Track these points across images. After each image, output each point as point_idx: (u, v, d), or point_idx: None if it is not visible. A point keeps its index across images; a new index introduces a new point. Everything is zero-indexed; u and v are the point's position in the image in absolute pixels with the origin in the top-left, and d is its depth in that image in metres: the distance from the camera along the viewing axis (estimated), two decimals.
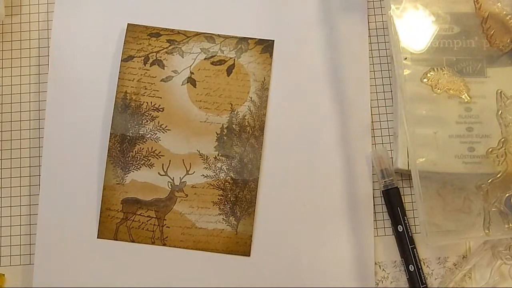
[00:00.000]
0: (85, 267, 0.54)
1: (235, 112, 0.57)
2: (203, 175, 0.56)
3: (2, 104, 0.58)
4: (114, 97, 0.57)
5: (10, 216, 0.56)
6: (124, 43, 0.57)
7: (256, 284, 0.54)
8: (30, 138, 0.57)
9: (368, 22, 0.60)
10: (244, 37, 0.58)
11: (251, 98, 0.57)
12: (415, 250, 0.54)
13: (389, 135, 0.58)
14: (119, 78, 0.57)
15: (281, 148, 0.57)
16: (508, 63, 0.55)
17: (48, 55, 0.58)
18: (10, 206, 0.56)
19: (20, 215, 0.56)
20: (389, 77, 0.59)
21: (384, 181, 0.56)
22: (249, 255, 0.55)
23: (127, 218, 0.55)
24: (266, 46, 0.58)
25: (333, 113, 0.57)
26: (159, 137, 0.56)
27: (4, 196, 0.56)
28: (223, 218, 0.55)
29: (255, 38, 0.58)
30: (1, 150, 0.57)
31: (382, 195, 0.56)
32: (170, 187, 0.55)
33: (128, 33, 0.58)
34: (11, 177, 0.56)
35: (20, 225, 0.56)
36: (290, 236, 0.55)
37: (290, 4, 0.59)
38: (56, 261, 0.54)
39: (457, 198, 0.52)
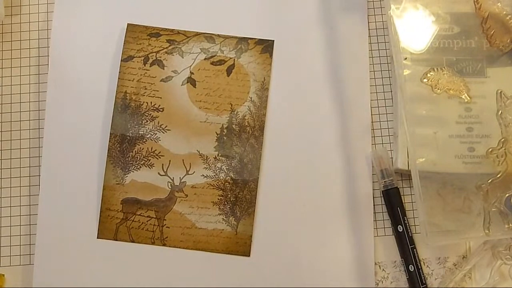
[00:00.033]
0: (85, 267, 0.54)
1: (235, 112, 0.57)
2: (203, 175, 0.56)
3: (2, 104, 0.58)
4: (114, 97, 0.57)
5: (10, 216, 0.56)
6: (124, 43, 0.57)
7: (256, 284, 0.54)
8: (30, 138, 0.57)
9: (368, 22, 0.60)
10: (244, 37, 0.58)
11: (251, 98, 0.57)
12: (415, 250, 0.54)
13: (389, 135, 0.58)
14: (119, 78, 0.57)
15: (281, 148, 0.57)
16: (508, 63, 0.55)
17: (48, 55, 0.58)
18: (10, 206, 0.56)
19: (20, 215, 0.56)
20: (389, 77, 0.59)
21: (384, 181, 0.56)
22: (249, 255, 0.55)
23: (127, 218, 0.55)
24: (266, 46, 0.58)
25: (333, 113, 0.57)
26: (159, 137, 0.56)
27: (4, 196, 0.56)
28: (223, 218, 0.55)
29: (255, 38, 0.58)
30: (1, 150, 0.57)
31: (382, 195, 0.56)
32: (170, 187, 0.55)
33: (128, 33, 0.58)
34: (11, 177, 0.56)
35: (20, 225, 0.56)
36: (290, 236, 0.55)
37: (290, 4, 0.59)
38: (56, 261, 0.54)
39: (457, 198, 0.52)
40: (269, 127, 0.57)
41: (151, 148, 0.56)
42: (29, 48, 0.59)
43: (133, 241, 0.55)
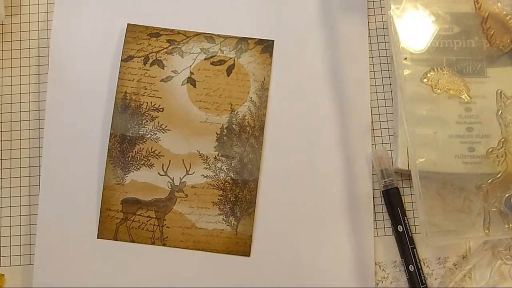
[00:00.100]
0: (85, 267, 0.54)
1: (235, 112, 0.57)
2: (203, 175, 0.56)
3: (2, 104, 0.58)
4: (114, 97, 0.57)
5: (10, 216, 0.56)
6: (124, 43, 0.57)
7: (256, 284, 0.54)
8: (30, 138, 0.57)
9: (368, 22, 0.60)
10: (244, 37, 0.58)
11: (251, 98, 0.57)
12: (415, 250, 0.54)
13: (389, 135, 0.58)
14: (119, 78, 0.57)
15: (281, 148, 0.57)
16: (508, 63, 0.55)
17: (48, 55, 0.58)
18: (10, 206, 0.56)
19: (20, 215, 0.56)
20: (389, 77, 0.59)
21: (384, 181, 0.56)
22: (249, 255, 0.55)
23: (127, 218, 0.55)
24: (266, 46, 0.58)
25: (333, 113, 0.57)
26: (159, 137, 0.56)
27: (4, 196, 0.56)
28: (223, 218, 0.55)
29: (255, 38, 0.58)
30: (1, 150, 0.57)
31: (382, 195, 0.56)
32: (170, 187, 0.55)
33: (128, 33, 0.58)
34: (11, 177, 0.56)
35: (20, 225, 0.56)
36: (290, 236, 0.55)
37: (290, 4, 0.59)
38: (56, 261, 0.54)
39: (457, 198, 0.52)
40: (269, 127, 0.57)
41: (151, 148, 0.56)
42: (29, 48, 0.59)
43: (133, 241, 0.55)
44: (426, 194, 0.51)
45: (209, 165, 0.56)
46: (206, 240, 0.55)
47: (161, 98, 0.57)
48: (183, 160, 0.56)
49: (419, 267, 0.54)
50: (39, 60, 0.58)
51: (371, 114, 0.58)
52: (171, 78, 0.57)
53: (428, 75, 0.54)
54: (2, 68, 0.58)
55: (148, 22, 0.58)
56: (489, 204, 0.51)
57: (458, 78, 0.55)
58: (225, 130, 0.56)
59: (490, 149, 0.53)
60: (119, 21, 0.58)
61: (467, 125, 0.54)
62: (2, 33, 0.59)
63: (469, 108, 0.54)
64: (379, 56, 0.59)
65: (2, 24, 0.59)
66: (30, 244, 0.55)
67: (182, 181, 0.56)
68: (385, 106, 0.58)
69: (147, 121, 0.56)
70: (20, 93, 0.58)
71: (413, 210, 0.56)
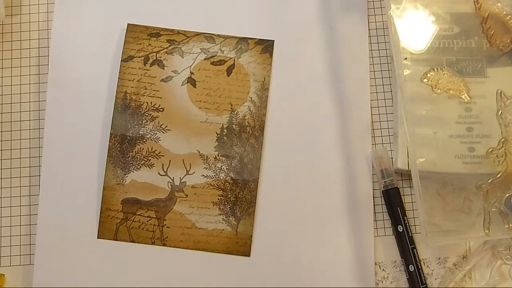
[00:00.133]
0: (85, 267, 0.54)
1: (235, 112, 0.57)
2: (203, 175, 0.56)
3: (2, 104, 0.58)
4: (114, 97, 0.57)
5: (10, 216, 0.56)
6: (124, 43, 0.57)
7: (256, 284, 0.54)
8: (30, 138, 0.57)
9: (368, 22, 0.60)
10: (244, 37, 0.58)
11: (251, 98, 0.57)
12: (415, 250, 0.54)
13: (389, 135, 0.58)
14: (119, 78, 0.57)
15: (281, 148, 0.57)
16: (508, 63, 0.55)
17: (48, 55, 0.58)
18: (10, 206, 0.56)
19: (20, 215, 0.56)
20: (389, 77, 0.59)
21: (384, 181, 0.56)
22: (249, 255, 0.55)
23: (127, 218, 0.55)
24: (266, 46, 0.58)
25: (333, 113, 0.57)
26: (159, 137, 0.56)
27: (4, 196, 0.56)
28: (223, 218, 0.55)
29: (255, 38, 0.58)
30: (1, 150, 0.57)
31: (382, 195, 0.56)
32: (170, 187, 0.55)
33: (128, 33, 0.58)
34: (11, 177, 0.56)
35: (20, 225, 0.56)
36: (290, 236, 0.55)
37: (290, 4, 0.59)
38: (56, 261, 0.54)
39: (457, 198, 0.52)
40: (269, 127, 0.57)
41: (151, 148, 0.56)
42: (29, 48, 0.59)
43: (133, 241, 0.55)
44: (426, 194, 0.51)
45: (209, 165, 0.56)
46: (206, 240, 0.55)
47: (161, 98, 0.57)
48: (183, 160, 0.56)
49: (419, 267, 0.54)
50: (39, 60, 0.58)
51: (371, 114, 0.58)
52: (171, 78, 0.57)
53: (428, 75, 0.54)
54: (2, 68, 0.58)
55: (148, 22, 0.58)
56: (489, 204, 0.51)
57: (458, 78, 0.55)
58: (225, 130, 0.56)
59: (490, 149, 0.53)
60: (119, 21, 0.58)
61: (467, 125, 0.54)
62: (2, 33, 0.59)
63: (469, 108, 0.54)
64: (379, 56, 0.59)
65: (2, 24, 0.59)
66: (30, 244, 0.55)
67: (182, 181, 0.56)
68: (385, 106, 0.58)
69: (147, 121, 0.56)
70: (20, 93, 0.58)
71: (413, 210, 0.56)
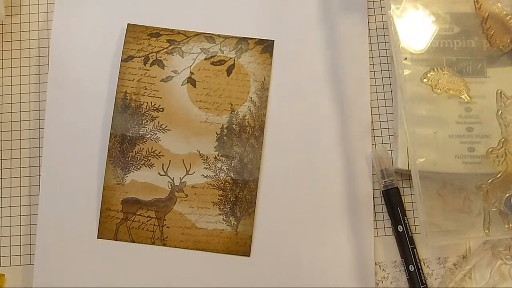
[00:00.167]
0: (85, 267, 0.54)
1: (235, 112, 0.57)
2: (203, 175, 0.56)
3: (2, 104, 0.58)
4: (114, 97, 0.57)
5: (10, 216, 0.56)
6: (124, 43, 0.57)
7: (256, 284, 0.54)
8: (30, 138, 0.57)
9: (368, 22, 0.60)
10: (244, 37, 0.58)
11: (251, 98, 0.57)
12: (415, 250, 0.54)
13: (389, 135, 0.58)
14: (119, 78, 0.57)
15: (281, 148, 0.57)
16: (508, 63, 0.55)
17: (48, 55, 0.58)
18: (10, 206, 0.56)
19: (20, 215, 0.56)
20: (389, 77, 0.59)
21: (384, 181, 0.56)
22: (249, 255, 0.55)
23: (127, 218, 0.55)
24: (266, 46, 0.58)
25: (333, 113, 0.57)
26: (159, 137, 0.56)
27: (4, 196, 0.56)
28: (223, 218, 0.55)
29: (255, 38, 0.58)
30: (1, 150, 0.57)
31: (382, 195, 0.56)
32: (170, 187, 0.55)
33: (128, 33, 0.58)
34: (11, 177, 0.56)
35: (20, 225, 0.56)
36: (290, 236, 0.55)
37: (290, 4, 0.59)
38: (56, 261, 0.54)
39: (457, 198, 0.52)
40: (269, 127, 0.57)
41: (151, 148, 0.56)
42: (29, 48, 0.59)
43: (133, 241, 0.55)
44: (426, 194, 0.51)
45: (209, 165, 0.56)
46: (206, 240, 0.55)
47: (161, 98, 0.57)
48: (183, 160, 0.56)
49: (419, 267, 0.54)
50: (39, 60, 0.58)
51: (371, 114, 0.58)
52: (171, 78, 0.57)
53: (428, 75, 0.54)
54: (2, 68, 0.58)
55: (148, 22, 0.58)
56: (489, 204, 0.51)
57: (458, 78, 0.55)
58: (225, 130, 0.56)
59: (490, 149, 0.53)
60: (119, 21, 0.58)
61: (467, 125, 0.54)
62: (2, 33, 0.59)
63: (469, 108, 0.54)
64: (379, 56, 0.59)
65: (2, 24, 0.59)
66: (30, 244, 0.55)
67: (182, 181, 0.56)
68: (385, 106, 0.58)
69: (147, 121, 0.56)
70: (20, 93, 0.58)
71: (413, 210, 0.56)
